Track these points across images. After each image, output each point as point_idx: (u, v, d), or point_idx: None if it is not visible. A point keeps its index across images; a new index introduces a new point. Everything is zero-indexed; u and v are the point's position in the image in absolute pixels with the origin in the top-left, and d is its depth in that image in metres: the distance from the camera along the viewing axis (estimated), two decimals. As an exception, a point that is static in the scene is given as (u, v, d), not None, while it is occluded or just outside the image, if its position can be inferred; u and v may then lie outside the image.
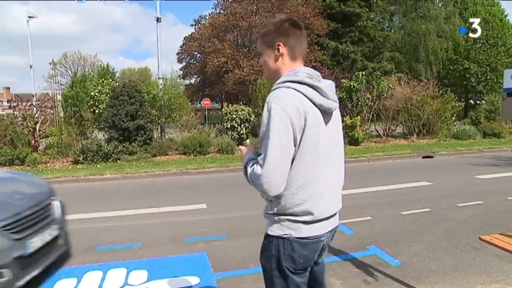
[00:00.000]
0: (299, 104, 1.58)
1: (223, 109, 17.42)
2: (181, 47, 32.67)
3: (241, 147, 1.88)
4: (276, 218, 1.68)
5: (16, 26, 72.63)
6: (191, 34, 31.62)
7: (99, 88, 15.05)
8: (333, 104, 1.69)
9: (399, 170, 10.37)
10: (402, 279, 3.55)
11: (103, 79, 15.96)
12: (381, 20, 34.82)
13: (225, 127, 15.01)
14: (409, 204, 6.21)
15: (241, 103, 18.10)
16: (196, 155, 12.92)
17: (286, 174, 1.59)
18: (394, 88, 15.65)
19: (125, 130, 12.84)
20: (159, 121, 15.08)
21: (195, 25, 32.84)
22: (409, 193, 7.23)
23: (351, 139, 14.55)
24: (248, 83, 26.33)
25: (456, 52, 35.92)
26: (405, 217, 5.59)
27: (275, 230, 1.68)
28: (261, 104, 15.43)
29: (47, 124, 14.89)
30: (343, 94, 15.62)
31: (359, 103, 15.18)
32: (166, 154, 13.24)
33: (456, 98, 18.35)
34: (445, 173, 9.66)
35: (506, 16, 37.31)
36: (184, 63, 33.71)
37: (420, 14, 34.22)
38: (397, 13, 35.15)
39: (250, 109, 15.42)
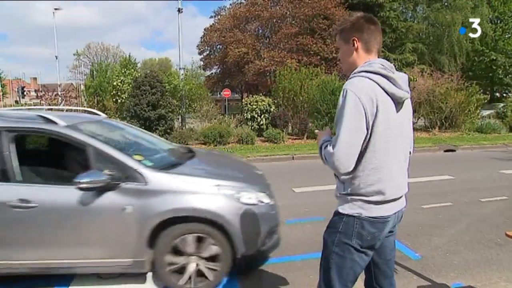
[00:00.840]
0: (371, 92, 1.73)
1: (243, 100, 17.47)
2: (201, 38, 32.70)
3: (317, 131, 2.13)
4: (348, 198, 1.85)
5: (41, 19, 74.20)
6: (212, 25, 31.60)
7: (122, 78, 15.27)
8: (405, 94, 1.83)
9: (420, 163, 10.19)
10: (422, 272, 3.55)
11: (125, 69, 16.18)
12: (404, 11, 33.87)
13: (245, 117, 15.07)
14: (430, 198, 6.14)
15: (261, 94, 18.08)
16: (216, 145, 13.03)
17: (355, 154, 1.74)
18: (416, 80, 15.33)
19: (147, 120, 13.04)
20: (180, 111, 15.24)
21: (215, 16, 32.81)
22: (430, 186, 7.14)
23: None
24: (268, 74, 26.22)
25: (482, 43, 34.78)
26: (426, 210, 5.53)
27: (347, 209, 1.85)
28: (281, 95, 15.41)
29: (72, 113, 15.23)
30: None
31: (381, 94, 14.92)
32: (187, 144, 13.38)
33: (482, 91, 17.81)
34: (468, 167, 9.48)
35: (537, 6, 35.87)
36: (204, 54, 33.77)
37: (446, 3, 33.19)
38: (421, 3, 34.16)
39: (270, 100, 15.41)
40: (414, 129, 16.38)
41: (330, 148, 1.75)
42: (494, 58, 34.50)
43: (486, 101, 17.56)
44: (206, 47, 33.21)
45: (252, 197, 3.29)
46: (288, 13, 27.08)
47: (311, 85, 15.00)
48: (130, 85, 14.36)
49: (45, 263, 3.12)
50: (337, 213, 1.89)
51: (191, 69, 33.02)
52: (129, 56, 18.13)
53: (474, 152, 12.03)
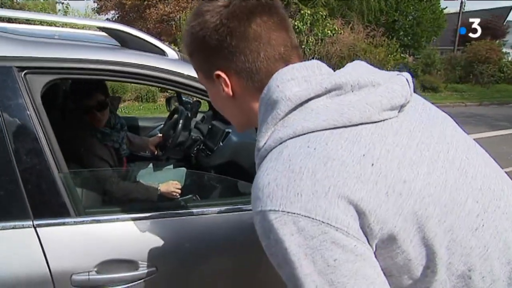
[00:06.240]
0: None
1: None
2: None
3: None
4: None
5: None
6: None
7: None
8: (396, 99, 0.66)
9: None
10: None
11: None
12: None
13: (145, 69, 12.44)
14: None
15: (165, 43, 15.47)
16: (107, 103, 10.35)
17: None
18: (341, 33, 14.18)
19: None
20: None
21: None
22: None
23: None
24: (172, 21, 23.36)
25: (386, 4, 35.75)
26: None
27: None
28: (190, 43, 13.13)
29: None
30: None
31: (302, 46, 13.52)
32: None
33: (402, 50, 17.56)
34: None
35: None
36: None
37: (356, -42, 32.91)
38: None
39: (176, 49, 12.96)
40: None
41: None
42: (396, 19, 35.74)
43: (406, 60, 17.34)
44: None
45: None
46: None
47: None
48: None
49: None
50: None
51: (84, 14, 28.04)
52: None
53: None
